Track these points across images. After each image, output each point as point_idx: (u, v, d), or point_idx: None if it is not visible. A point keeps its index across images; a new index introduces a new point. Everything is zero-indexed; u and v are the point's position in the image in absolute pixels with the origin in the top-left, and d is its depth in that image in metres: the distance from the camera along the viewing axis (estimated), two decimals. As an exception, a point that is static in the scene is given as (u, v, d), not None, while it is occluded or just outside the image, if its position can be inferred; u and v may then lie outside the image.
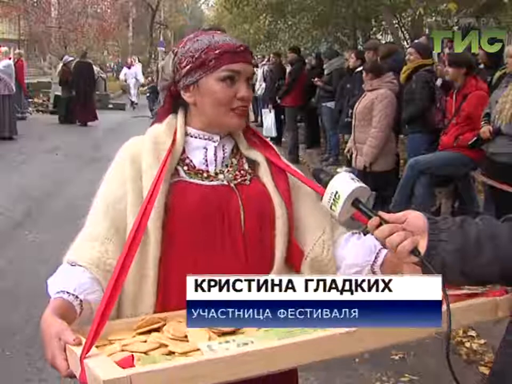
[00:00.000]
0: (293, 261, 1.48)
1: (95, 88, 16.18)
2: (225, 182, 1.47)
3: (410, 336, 1.21)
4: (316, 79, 9.98)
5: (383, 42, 11.20)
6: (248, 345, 1.13)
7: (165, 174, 1.41)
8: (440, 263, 1.18)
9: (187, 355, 1.13)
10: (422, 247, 1.20)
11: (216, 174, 1.49)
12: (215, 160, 1.50)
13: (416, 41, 7.53)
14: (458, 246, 1.19)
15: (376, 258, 1.46)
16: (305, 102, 10.74)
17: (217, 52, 1.42)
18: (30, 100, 17.21)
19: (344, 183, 1.29)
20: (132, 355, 1.06)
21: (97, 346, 1.16)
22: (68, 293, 1.30)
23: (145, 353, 1.15)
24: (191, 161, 1.49)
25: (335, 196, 1.29)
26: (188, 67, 1.45)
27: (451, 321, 1.11)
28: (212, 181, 1.47)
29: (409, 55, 6.56)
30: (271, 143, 1.58)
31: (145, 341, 1.21)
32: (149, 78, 18.08)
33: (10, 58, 12.92)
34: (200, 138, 1.51)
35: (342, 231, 1.55)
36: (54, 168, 9.38)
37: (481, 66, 5.98)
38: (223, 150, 1.52)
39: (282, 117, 11.55)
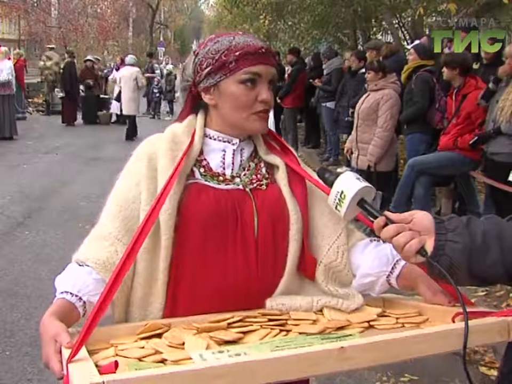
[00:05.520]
0: (306, 269, 1.44)
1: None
2: (240, 187, 1.44)
3: (404, 355, 1.12)
4: (316, 80, 9.98)
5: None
6: (235, 358, 1.09)
7: (180, 175, 1.38)
8: (448, 263, 1.18)
9: (178, 363, 1.11)
10: (429, 247, 1.19)
11: (233, 177, 1.46)
12: (233, 163, 1.47)
13: (417, 41, 7.52)
14: (465, 246, 1.18)
15: (393, 269, 1.42)
16: (305, 103, 10.75)
17: (237, 53, 1.39)
18: (29, 100, 17.25)
19: (349, 183, 1.27)
20: (116, 361, 1.05)
21: (96, 350, 1.18)
22: (71, 293, 1.30)
23: (139, 359, 1.14)
24: (208, 163, 1.46)
25: (340, 195, 1.27)
26: (208, 69, 1.42)
27: (467, 326, 1.08)
28: (227, 184, 1.44)
29: (409, 55, 6.58)
30: (290, 148, 1.54)
31: (143, 347, 1.20)
32: (156, 79, 17.96)
33: (9, 59, 12.91)
34: (219, 140, 1.48)
35: (359, 237, 1.50)
36: (54, 168, 9.38)
37: (476, 66, 5.94)
38: (241, 154, 1.49)
39: (282, 117, 11.55)
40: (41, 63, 17.37)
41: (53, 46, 20.49)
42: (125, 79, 13.03)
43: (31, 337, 3.62)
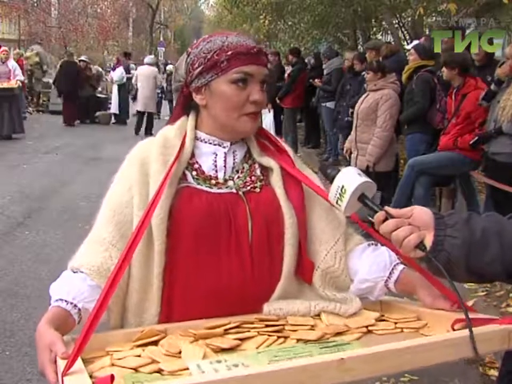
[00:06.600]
0: (303, 273, 1.42)
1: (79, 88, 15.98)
2: (233, 190, 1.42)
3: (404, 366, 1.10)
4: (316, 80, 9.98)
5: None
6: (233, 370, 1.07)
7: (172, 179, 1.37)
8: (446, 259, 1.18)
9: (174, 374, 1.10)
10: (428, 242, 1.20)
11: (226, 180, 1.44)
12: (225, 166, 1.46)
13: (417, 41, 7.52)
14: (464, 241, 1.18)
15: (390, 274, 1.41)
16: (305, 103, 10.73)
17: (229, 53, 1.37)
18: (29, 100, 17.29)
19: (350, 178, 1.27)
20: (112, 375, 1.03)
21: (91, 358, 1.16)
22: (66, 301, 1.28)
23: (135, 369, 1.12)
24: (200, 166, 1.45)
25: (341, 190, 1.27)
26: (199, 68, 1.41)
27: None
28: (220, 188, 1.42)
29: (410, 55, 6.58)
30: (285, 147, 1.51)
31: (139, 355, 1.18)
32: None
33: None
34: (210, 143, 1.47)
35: (357, 242, 1.48)
36: (54, 168, 9.38)
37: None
38: (234, 156, 1.47)
39: (282, 117, 11.54)
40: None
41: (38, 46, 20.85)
42: (143, 78, 13.44)
43: (31, 337, 3.61)
